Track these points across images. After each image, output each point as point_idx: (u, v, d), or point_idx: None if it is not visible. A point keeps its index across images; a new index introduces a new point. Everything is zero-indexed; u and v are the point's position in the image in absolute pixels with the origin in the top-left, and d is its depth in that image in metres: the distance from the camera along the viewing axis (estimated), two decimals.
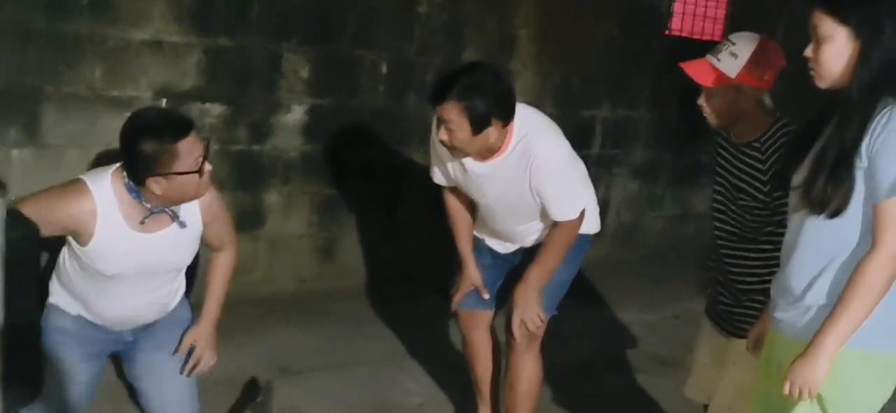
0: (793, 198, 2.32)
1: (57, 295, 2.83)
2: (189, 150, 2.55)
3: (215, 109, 4.45)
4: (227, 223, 2.98)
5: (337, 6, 4.77)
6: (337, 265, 5.13)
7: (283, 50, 4.61)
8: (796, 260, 2.29)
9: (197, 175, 2.57)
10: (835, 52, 2.18)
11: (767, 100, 2.78)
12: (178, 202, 2.66)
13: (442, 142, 2.97)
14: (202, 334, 2.94)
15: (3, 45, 3.90)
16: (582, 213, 3.13)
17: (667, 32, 6.22)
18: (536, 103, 5.58)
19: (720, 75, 2.73)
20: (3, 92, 3.95)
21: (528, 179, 3.00)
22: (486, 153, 3.02)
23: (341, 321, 4.72)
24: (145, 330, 2.89)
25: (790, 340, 2.31)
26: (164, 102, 4.27)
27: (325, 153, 4.91)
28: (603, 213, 6.21)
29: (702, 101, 2.84)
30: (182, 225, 2.70)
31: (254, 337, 4.31)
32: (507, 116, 2.93)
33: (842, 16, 2.17)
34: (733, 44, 2.73)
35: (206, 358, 2.95)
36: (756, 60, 2.69)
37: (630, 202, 6.45)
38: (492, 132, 2.90)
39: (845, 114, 2.17)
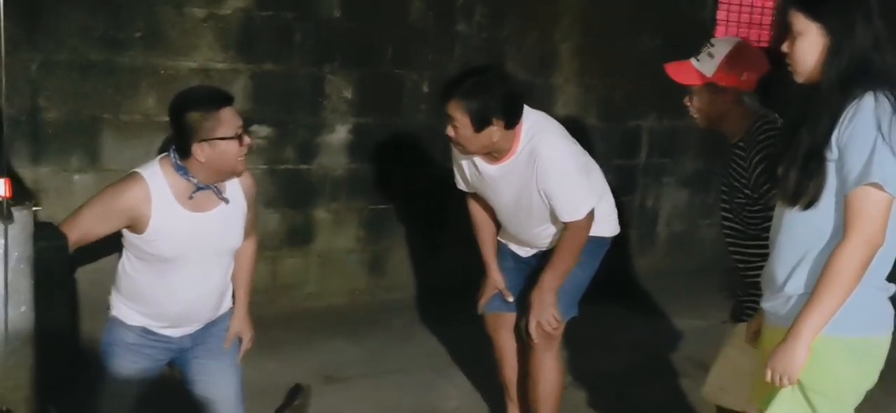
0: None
1: (119, 307, 3.06)
2: (230, 119, 2.83)
3: (263, 131, 4.67)
4: (256, 212, 3.23)
5: (377, 28, 4.96)
6: (386, 279, 5.29)
7: (325, 72, 4.81)
8: (777, 251, 2.37)
9: (236, 142, 2.83)
10: (807, 47, 2.27)
11: (748, 100, 2.86)
12: (221, 173, 2.89)
13: (448, 137, 3.15)
14: (240, 322, 3.18)
15: (64, 77, 4.18)
16: (590, 215, 3.21)
17: None
18: (581, 116, 5.73)
19: (698, 75, 2.85)
20: (64, 121, 4.22)
21: (535, 180, 3.13)
22: (497, 156, 3.16)
23: (389, 332, 4.88)
24: (200, 336, 3.09)
25: (774, 329, 2.39)
26: None
27: (371, 170, 5.09)
28: (653, 223, 6.32)
29: (687, 100, 2.96)
30: (227, 201, 2.94)
31: (302, 348, 4.49)
32: (509, 118, 3.07)
33: (814, 12, 2.26)
34: (712, 46, 2.88)
35: (247, 338, 3.21)
36: (732, 61, 2.80)
37: (680, 212, 6.47)
38: (494, 132, 3.04)
39: (816, 108, 2.25)
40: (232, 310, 3.17)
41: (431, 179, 5.30)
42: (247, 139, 2.88)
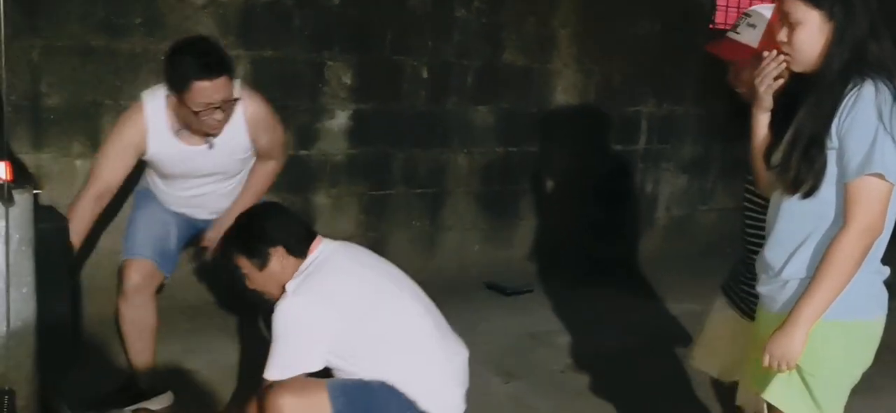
0: (770, 177, 2.41)
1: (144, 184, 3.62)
2: (203, 93, 3.08)
3: None
4: (278, 138, 3.51)
5: (376, 14, 4.96)
6: None
7: (325, 58, 4.82)
8: (775, 237, 2.38)
9: (195, 116, 3.10)
10: (808, 35, 2.27)
11: None
12: (185, 128, 3.22)
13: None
14: (215, 228, 3.50)
15: (64, 63, 4.19)
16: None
17: (711, 27, 6.24)
18: (580, 102, 5.75)
19: (747, 48, 2.79)
20: (66, 107, 4.23)
21: None
22: None
23: None
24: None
25: (771, 314, 2.40)
26: None
27: (371, 156, 5.11)
28: (652, 208, 6.35)
29: (731, 78, 2.90)
30: (210, 146, 3.27)
31: None
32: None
33: (815, 0, 2.26)
34: (750, 16, 2.75)
35: (210, 240, 3.55)
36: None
37: (679, 197, 6.49)
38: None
39: (817, 96, 2.25)
40: None
41: (431, 164, 5.33)
42: (217, 114, 3.13)
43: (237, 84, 3.32)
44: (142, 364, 3.52)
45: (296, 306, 2.83)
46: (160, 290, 3.54)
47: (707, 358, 3.11)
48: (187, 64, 3.11)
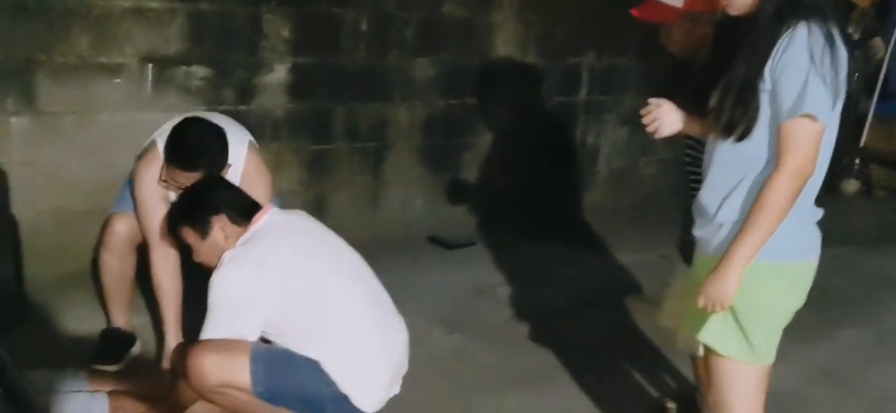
0: (707, 121, 2.45)
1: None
2: (171, 174, 3.27)
3: (200, 72, 4.60)
4: (263, 189, 3.49)
5: None
6: (329, 220, 5.16)
7: (263, 11, 4.74)
8: (709, 181, 2.43)
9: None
10: None
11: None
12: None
13: None
14: None
15: None
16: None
17: None
18: (520, 55, 5.75)
19: (672, 10, 2.84)
20: None
21: None
22: None
23: None
24: None
25: (706, 257, 2.46)
26: (150, 67, 4.44)
27: (311, 111, 5.06)
28: (593, 160, 6.40)
29: (663, 38, 2.96)
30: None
31: None
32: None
33: None
34: None
35: None
36: None
37: (620, 148, 6.55)
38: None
39: (751, 39, 2.29)
40: None
41: (372, 118, 5.31)
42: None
43: (240, 156, 3.50)
44: (121, 315, 3.66)
45: (229, 277, 2.86)
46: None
47: (668, 314, 3.14)
48: (174, 144, 3.29)
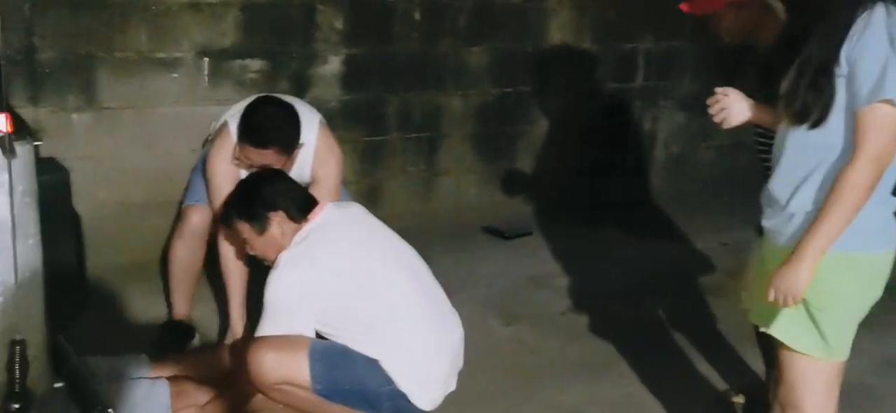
0: (778, 108, 2.38)
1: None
2: (243, 152, 3.34)
3: (255, 64, 4.62)
4: (331, 180, 3.61)
5: None
6: (383, 209, 5.25)
7: (316, 2, 4.74)
8: (781, 169, 2.35)
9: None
10: None
11: (774, 2, 2.72)
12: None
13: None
14: None
15: (56, 15, 4.12)
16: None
17: None
18: (575, 40, 5.68)
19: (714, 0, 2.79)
20: (60, 60, 4.17)
21: None
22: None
23: None
24: None
25: (776, 247, 2.38)
26: (206, 61, 4.47)
27: (365, 101, 5.06)
28: (650, 147, 6.31)
29: (714, 27, 2.90)
30: None
31: None
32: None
33: None
34: None
35: None
36: None
37: (678, 134, 6.44)
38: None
39: (826, 22, 2.21)
40: None
41: (425, 108, 5.29)
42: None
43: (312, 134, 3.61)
44: (184, 306, 3.70)
45: (286, 278, 2.88)
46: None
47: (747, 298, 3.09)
48: (247, 122, 3.39)
